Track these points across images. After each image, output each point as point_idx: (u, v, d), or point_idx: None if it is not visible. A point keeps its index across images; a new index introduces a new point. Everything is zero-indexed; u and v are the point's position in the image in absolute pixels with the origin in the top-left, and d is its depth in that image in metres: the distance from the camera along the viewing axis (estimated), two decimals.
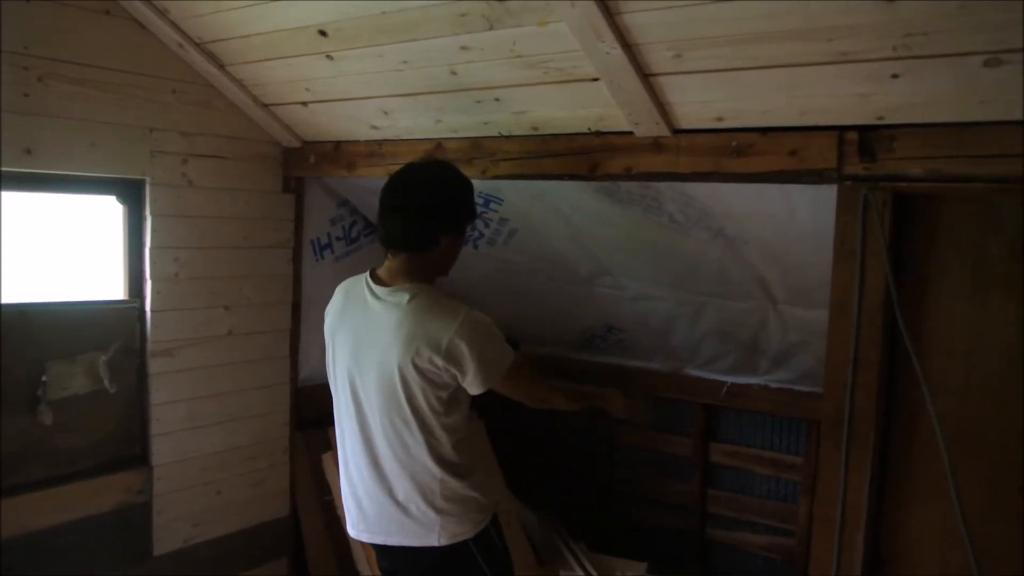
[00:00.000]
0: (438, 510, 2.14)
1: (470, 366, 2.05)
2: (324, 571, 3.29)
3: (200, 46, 2.69)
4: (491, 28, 2.03)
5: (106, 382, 2.76)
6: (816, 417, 2.97)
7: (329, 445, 3.34)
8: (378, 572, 2.58)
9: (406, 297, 2.08)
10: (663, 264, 2.93)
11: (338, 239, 3.48)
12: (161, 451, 2.91)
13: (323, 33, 2.33)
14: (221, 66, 2.77)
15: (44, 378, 2.61)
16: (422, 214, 2.11)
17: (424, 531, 2.15)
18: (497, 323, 2.15)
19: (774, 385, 3.21)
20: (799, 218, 2.35)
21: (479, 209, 2.99)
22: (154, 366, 2.87)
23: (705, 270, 2.85)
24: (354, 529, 2.29)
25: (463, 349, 2.03)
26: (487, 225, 3.08)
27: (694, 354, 3.33)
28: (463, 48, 2.15)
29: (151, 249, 2.82)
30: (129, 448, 2.88)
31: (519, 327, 3.56)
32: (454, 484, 2.15)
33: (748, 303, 2.94)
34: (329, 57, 2.45)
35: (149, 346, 2.85)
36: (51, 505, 2.65)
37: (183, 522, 3.00)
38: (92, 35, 2.59)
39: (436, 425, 2.12)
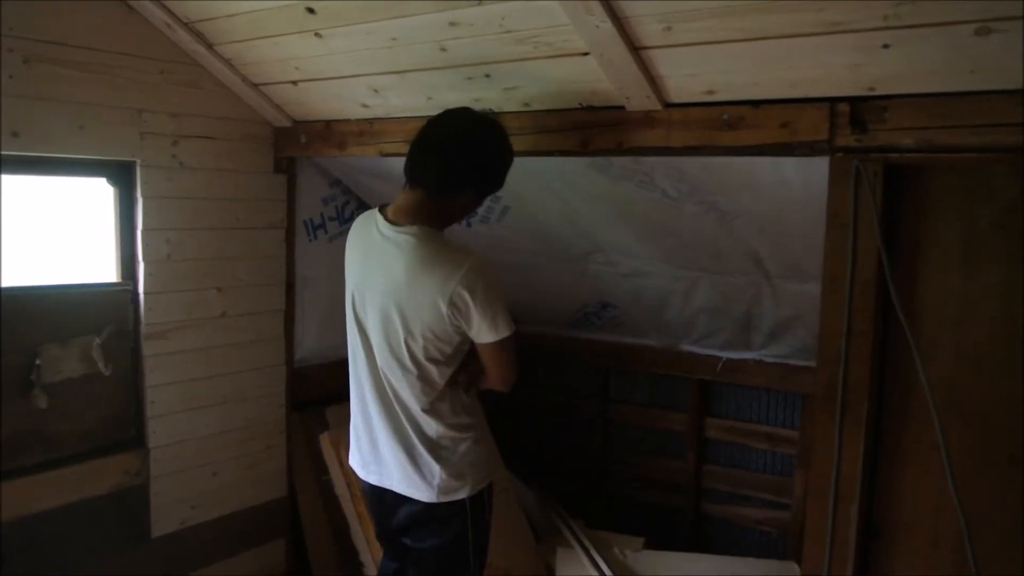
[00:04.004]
0: (438, 459, 2.13)
1: (474, 316, 2.02)
2: (322, 551, 3.30)
3: (188, 25, 2.66)
4: (480, 3, 2.01)
5: (100, 365, 2.75)
6: (811, 391, 2.98)
7: (326, 425, 3.34)
8: (378, 548, 2.59)
9: (412, 240, 2.04)
10: (656, 240, 2.92)
11: (331, 219, 3.47)
12: (157, 433, 2.91)
13: (311, 11, 2.31)
14: (209, 46, 2.74)
15: (38, 362, 2.60)
16: (460, 159, 2.07)
17: (425, 484, 2.14)
18: None
19: (769, 360, 3.23)
20: (791, 191, 2.34)
21: None
22: (148, 348, 2.86)
23: (698, 245, 2.84)
24: (363, 470, 2.28)
25: (467, 298, 1.99)
26: None
27: (688, 330, 3.33)
28: (452, 24, 2.13)
29: (143, 231, 2.81)
30: (125, 431, 2.88)
31: (514, 306, 3.55)
32: (453, 435, 2.14)
33: (741, 278, 2.94)
34: (318, 35, 2.43)
35: (143, 328, 2.85)
36: (48, 488, 2.66)
37: (180, 504, 3.01)
38: (78, 16, 2.56)
39: (435, 375, 2.10)
